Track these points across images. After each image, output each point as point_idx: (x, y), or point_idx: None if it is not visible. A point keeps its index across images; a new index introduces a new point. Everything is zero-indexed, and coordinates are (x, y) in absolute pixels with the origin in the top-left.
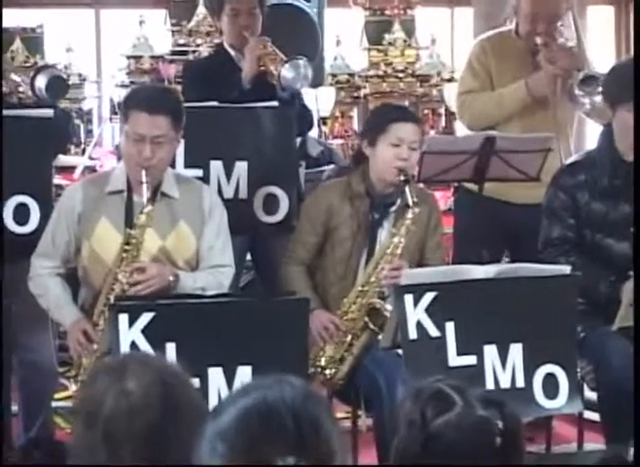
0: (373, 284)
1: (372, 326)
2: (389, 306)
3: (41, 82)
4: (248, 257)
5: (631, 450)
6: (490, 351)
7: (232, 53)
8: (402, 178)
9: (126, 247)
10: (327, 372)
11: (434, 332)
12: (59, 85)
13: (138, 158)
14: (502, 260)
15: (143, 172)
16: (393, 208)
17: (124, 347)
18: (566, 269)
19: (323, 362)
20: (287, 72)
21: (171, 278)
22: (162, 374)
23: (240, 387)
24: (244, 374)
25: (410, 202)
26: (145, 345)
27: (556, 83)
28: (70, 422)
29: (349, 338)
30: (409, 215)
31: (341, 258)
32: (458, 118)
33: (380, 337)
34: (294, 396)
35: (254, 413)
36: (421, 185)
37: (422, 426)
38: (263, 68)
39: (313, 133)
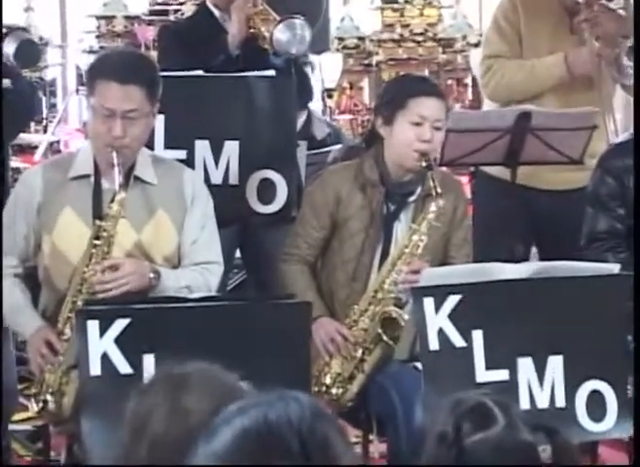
0: (388, 289)
1: (386, 338)
2: (407, 316)
3: (9, 47)
4: (238, 254)
5: None
6: (525, 365)
7: (217, 12)
8: (423, 164)
9: (96, 242)
10: (333, 391)
11: (459, 342)
12: (30, 50)
13: (108, 136)
14: (530, 257)
15: (114, 153)
16: (412, 198)
17: (95, 360)
18: (614, 267)
19: (328, 380)
20: (280, 34)
21: (151, 275)
22: (227, 395)
23: (237, 404)
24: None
25: (435, 193)
26: (119, 357)
27: (602, 60)
28: (29, 449)
29: (360, 352)
30: (433, 208)
31: (351, 256)
32: (481, 85)
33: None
34: (300, 414)
35: (253, 433)
36: (444, 169)
37: (455, 441)
38: (253, 30)
39: (316, 108)
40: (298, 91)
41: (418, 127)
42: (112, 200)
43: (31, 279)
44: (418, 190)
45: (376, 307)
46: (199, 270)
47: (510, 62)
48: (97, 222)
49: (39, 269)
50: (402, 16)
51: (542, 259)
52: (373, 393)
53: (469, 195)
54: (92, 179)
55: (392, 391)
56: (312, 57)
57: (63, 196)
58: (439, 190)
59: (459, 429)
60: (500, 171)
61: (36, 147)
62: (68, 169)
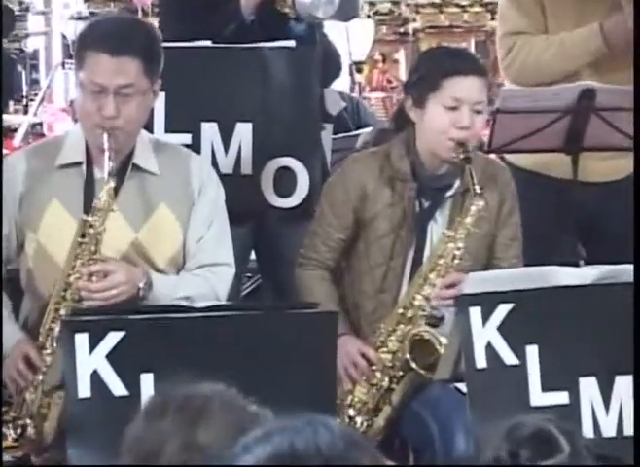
0: (419, 306)
1: (415, 367)
2: (444, 339)
3: None
4: (253, 255)
5: None
6: (588, 386)
7: None
8: (461, 156)
9: (81, 240)
10: (358, 420)
11: (510, 359)
12: (4, 17)
13: (98, 116)
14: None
15: (105, 136)
16: (449, 193)
17: (83, 379)
18: None
19: (352, 411)
20: None
21: (141, 285)
22: (249, 425)
23: (259, 430)
24: None
25: (473, 192)
26: (111, 376)
27: None
28: None
29: (387, 381)
30: (472, 210)
31: (379, 261)
32: (502, 68)
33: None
34: (331, 442)
35: (277, 463)
36: (493, 156)
37: None
38: None
39: (343, 85)
40: (323, 65)
41: (454, 112)
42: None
43: (12, 284)
44: (457, 183)
45: (406, 327)
46: (204, 275)
47: (535, 38)
48: (83, 216)
49: (21, 272)
50: None
51: (589, 262)
52: (407, 419)
53: None
54: (84, 167)
55: (429, 417)
56: (339, 25)
57: (50, 187)
58: (478, 189)
59: (516, 456)
60: (531, 162)
61: (15, 130)
62: (55, 156)
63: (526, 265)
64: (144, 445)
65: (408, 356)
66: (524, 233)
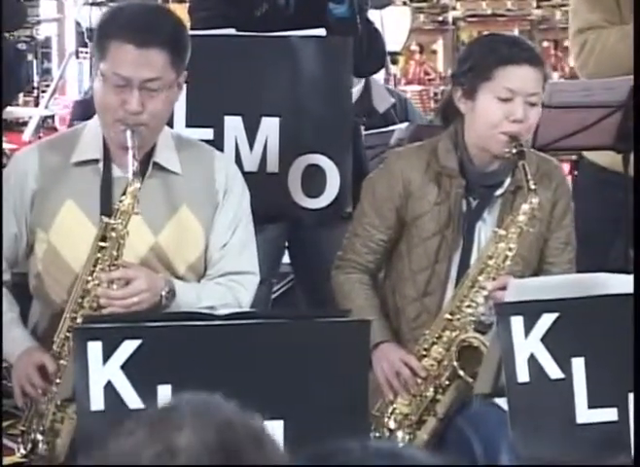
0: (467, 311)
1: (463, 374)
2: None
3: None
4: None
5: None
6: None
7: None
8: (514, 151)
9: (102, 243)
10: (399, 434)
11: (554, 372)
12: (13, 8)
13: (121, 111)
14: None
15: (128, 133)
16: (499, 191)
17: (97, 391)
18: None
19: (392, 424)
20: None
21: (163, 293)
22: (226, 432)
23: (311, 451)
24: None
25: (527, 189)
26: (127, 387)
27: None
28: None
29: (432, 391)
30: (525, 208)
31: (423, 265)
32: (577, 66)
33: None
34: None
35: None
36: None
37: None
38: None
39: (377, 77)
40: (366, 54)
41: (507, 104)
42: (124, 192)
43: (19, 289)
44: (507, 181)
45: (453, 333)
46: (228, 285)
47: (608, 31)
48: (104, 219)
49: (30, 276)
50: None
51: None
52: (449, 438)
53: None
54: (101, 165)
55: (472, 436)
56: (373, 13)
57: (64, 185)
58: (532, 185)
59: None
60: (609, 160)
61: (25, 123)
62: (70, 152)
63: (585, 271)
64: (120, 458)
65: (455, 363)
66: (597, 236)
